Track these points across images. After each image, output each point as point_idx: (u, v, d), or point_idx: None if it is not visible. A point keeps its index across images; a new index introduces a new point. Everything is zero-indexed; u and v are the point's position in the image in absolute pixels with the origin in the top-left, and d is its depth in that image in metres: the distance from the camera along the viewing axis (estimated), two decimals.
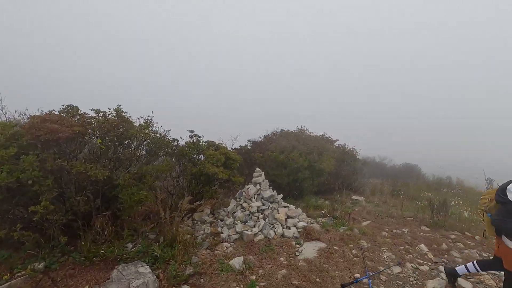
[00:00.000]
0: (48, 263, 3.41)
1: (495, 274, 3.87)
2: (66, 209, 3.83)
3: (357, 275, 3.51)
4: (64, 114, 4.02)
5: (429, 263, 3.95)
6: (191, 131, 5.84)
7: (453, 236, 5.07)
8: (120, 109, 4.37)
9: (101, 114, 4.10)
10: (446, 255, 4.24)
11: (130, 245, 3.93)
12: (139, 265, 3.31)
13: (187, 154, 5.62)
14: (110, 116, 4.20)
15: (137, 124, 4.78)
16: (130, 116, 4.65)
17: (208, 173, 4.97)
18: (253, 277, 3.41)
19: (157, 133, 5.36)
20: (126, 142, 4.60)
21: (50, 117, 3.71)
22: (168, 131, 5.77)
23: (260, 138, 9.16)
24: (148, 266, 3.32)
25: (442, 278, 3.51)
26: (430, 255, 4.20)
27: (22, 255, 3.44)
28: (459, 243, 4.77)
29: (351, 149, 9.91)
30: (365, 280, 3.39)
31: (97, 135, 4.05)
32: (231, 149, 7.60)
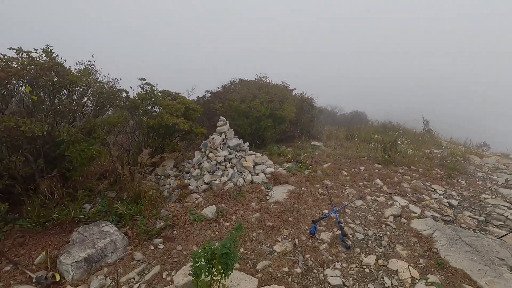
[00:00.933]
0: None
1: (436, 198, 4.45)
2: (0, 173, 3.25)
3: (325, 211, 3.73)
4: None
5: (385, 195, 4.36)
6: (143, 79, 5.19)
7: (401, 171, 5.62)
8: (51, 50, 3.57)
9: (24, 54, 3.28)
10: (398, 187, 4.71)
11: (88, 206, 3.58)
12: (103, 225, 3.05)
13: (140, 106, 5.06)
14: (38, 58, 3.41)
15: (75, 71, 4.05)
16: (65, 61, 3.88)
17: (168, 124, 4.57)
18: (227, 223, 3.40)
19: (104, 83, 4.65)
20: (64, 91, 3.90)
21: None
22: (118, 80, 5.06)
23: (218, 88, 8.70)
24: (113, 225, 3.07)
25: (397, 206, 3.92)
26: (385, 188, 4.63)
27: None
28: (406, 176, 5.33)
29: (309, 97, 10.04)
30: (333, 215, 3.61)
31: (25, 81, 3.30)
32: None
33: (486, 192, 4.89)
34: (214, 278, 1.98)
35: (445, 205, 4.23)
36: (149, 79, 5.41)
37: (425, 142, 9.61)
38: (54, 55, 3.57)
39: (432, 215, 3.81)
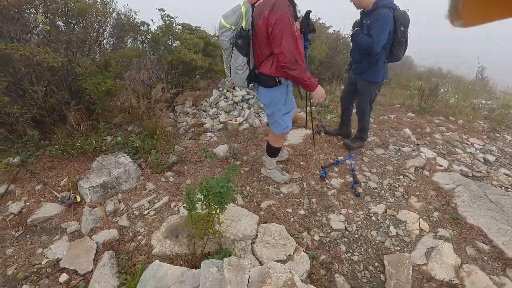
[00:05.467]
0: (23, 157, 3.26)
1: (471, 153, 4.04)
2: (28, 102, 3.45)
3: (341, 158, 3.57)
4: None
5: (411, 145, 4.03)
6: (161, 9, 4.88)
7: (437, 121, 5.10)
8: None
9: None
10: (428, 138, 4.32)
11: (109, 138, 3.76)
12: (119, 156, 3.21)
13: (160, 41, 4.87)
14: None
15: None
16: None
17: (186, 60, 4.40)
18: (238, 163, 3.41)
19: (121, 14, 4.45)
20: (77, 21, 3.80)
21: None
22: (136, 12, 4.81)
23: None
24: (128, 156, 3.23)
25: (422, 158, 3.63)
26: (413, 138, 4.26)
27: None
28: (441, 127, 4.84)
29: (345, 36, 9.00)
30: (347, 162, 3.46)
31: (38, 9, 3.23)
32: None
33: None
34: (211, 212, 2.03)
35: (479, 160, 3.84)
36: (170, 11, 5.09)
37: (475, 91, 8.50)
38: None
39: (460, 170, 3.50)
